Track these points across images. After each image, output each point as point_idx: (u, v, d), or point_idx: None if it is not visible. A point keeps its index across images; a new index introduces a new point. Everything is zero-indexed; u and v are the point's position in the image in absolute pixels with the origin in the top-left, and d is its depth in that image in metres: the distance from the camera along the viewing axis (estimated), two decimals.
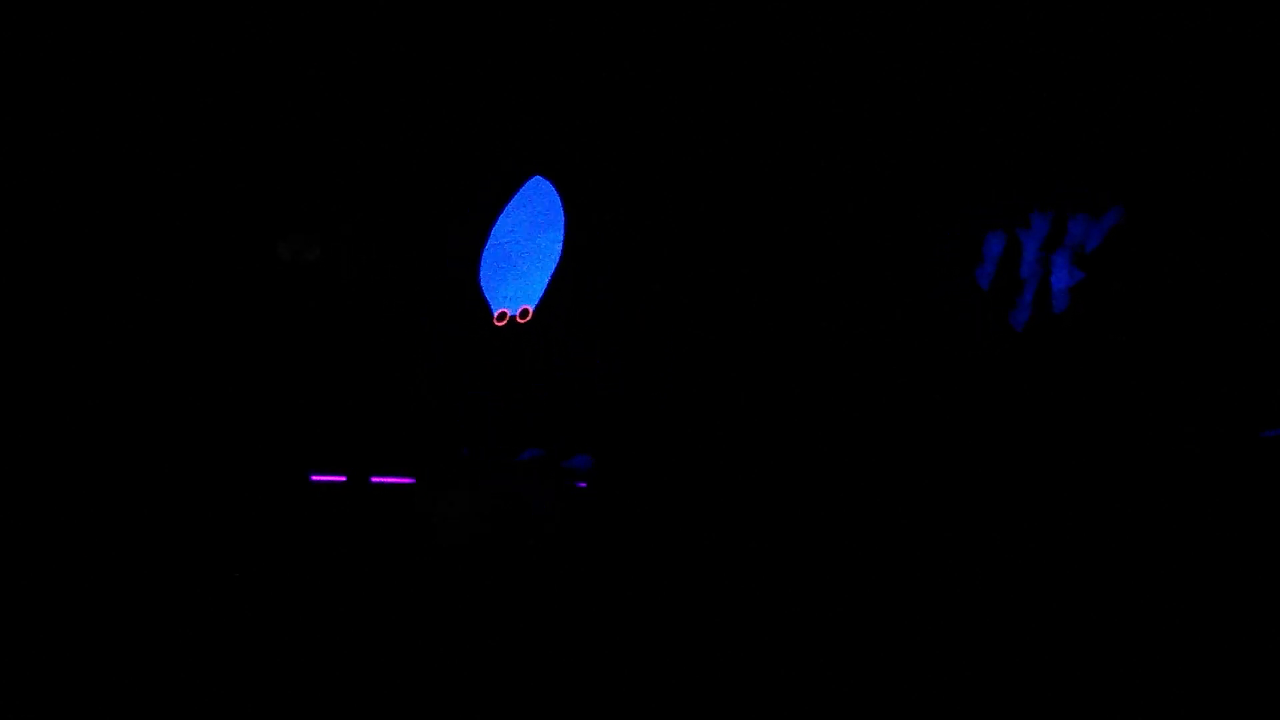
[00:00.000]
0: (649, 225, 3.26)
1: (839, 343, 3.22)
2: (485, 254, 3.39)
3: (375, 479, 3.25)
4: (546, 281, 3.32)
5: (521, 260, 3.35)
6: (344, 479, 3.25)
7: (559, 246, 3.34)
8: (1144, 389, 3.07)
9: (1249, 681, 2.49)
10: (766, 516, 3.03)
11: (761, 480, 3.11)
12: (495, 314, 3.32)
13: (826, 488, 3.08)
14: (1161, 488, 2.93)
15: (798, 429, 3.19)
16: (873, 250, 3.24)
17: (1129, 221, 3.15)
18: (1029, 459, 3.07)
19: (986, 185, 3.24)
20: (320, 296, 3.32)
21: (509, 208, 3.39)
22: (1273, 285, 3.02)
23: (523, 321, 3.31)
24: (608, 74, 3.22)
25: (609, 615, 2.78)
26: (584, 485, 3.23)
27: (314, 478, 3.24)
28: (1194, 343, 3.05)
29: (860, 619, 2.77)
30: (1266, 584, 2.65)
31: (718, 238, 3.26)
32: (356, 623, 2.74)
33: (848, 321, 3.22)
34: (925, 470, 3.09)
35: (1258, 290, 3.02)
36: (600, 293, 3.29)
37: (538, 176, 3.39)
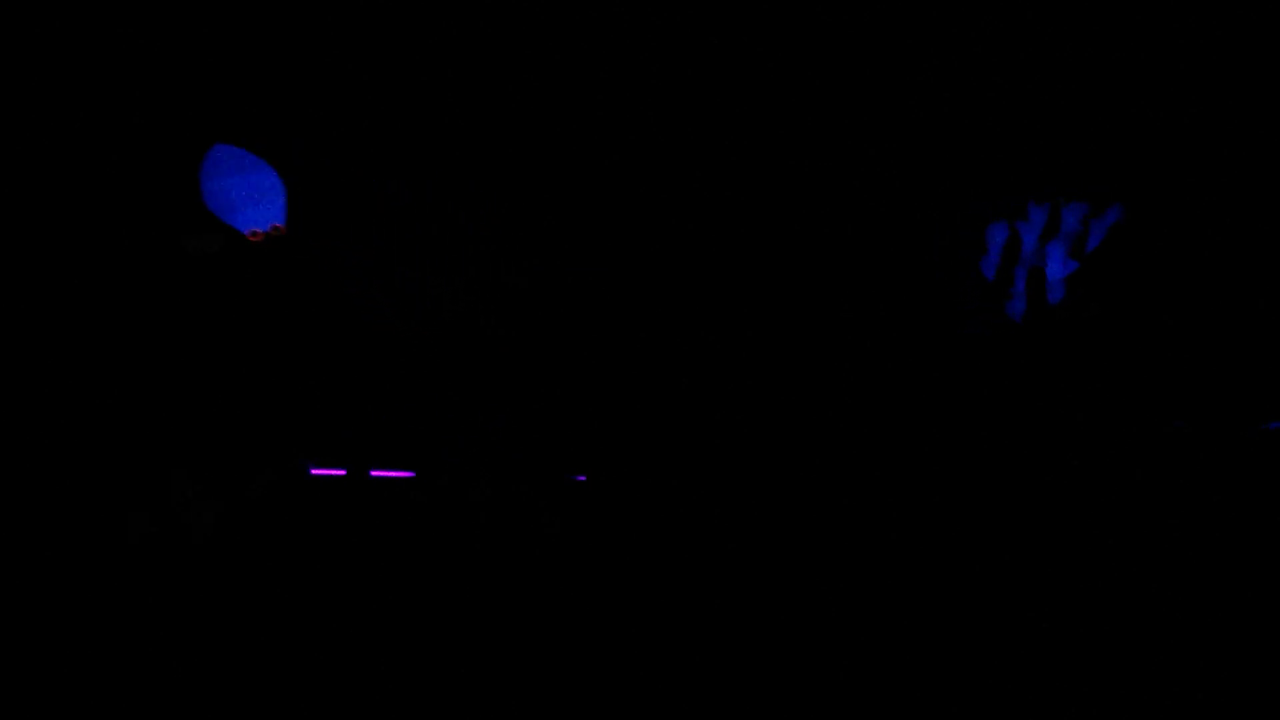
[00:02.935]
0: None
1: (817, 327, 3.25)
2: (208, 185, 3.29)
3: (375, 473, 3.26)
4: (281, 200, 3.26)
5: (240, 189, 3.29)
6: (343, 473, 3.25)
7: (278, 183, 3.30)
8: (1138, 382, 3.09)
9: (1251, 678, 2.48)
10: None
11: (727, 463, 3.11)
12: (248, 233, 3.27)
13: (801, 475, 3.08)
14: (1154, 480, 2.94)
15: (790, 418, 3.21)
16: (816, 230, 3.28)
17: (1129, 218, 3.19)
18: (1027, 449, 3.08)
19: (991, 177, 3.28)
20: (316, 288, 3.33)
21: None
22: (1268, 281, 3.05)
23: (279, 235, 3.27)
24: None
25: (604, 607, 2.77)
26: (582, 478, 3.23)
27: (313, 471, 3.25)
28: (1190, 338, 3.07)
29: (852, 608, 2.76)
30: (1262, 576, 2.66)
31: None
32: (357, 616, 2.73)
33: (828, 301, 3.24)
34: (917, 458, 3.10)
35: (1254, 287, 3.05)
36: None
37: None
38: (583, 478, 3.20)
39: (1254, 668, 2.47)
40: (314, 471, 3.22)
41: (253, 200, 3.22)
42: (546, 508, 3.01)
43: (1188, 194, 3.14)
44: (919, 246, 3.28)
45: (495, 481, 3.07)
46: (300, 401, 3.28)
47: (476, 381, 3.26)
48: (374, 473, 3.23)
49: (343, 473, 3.22)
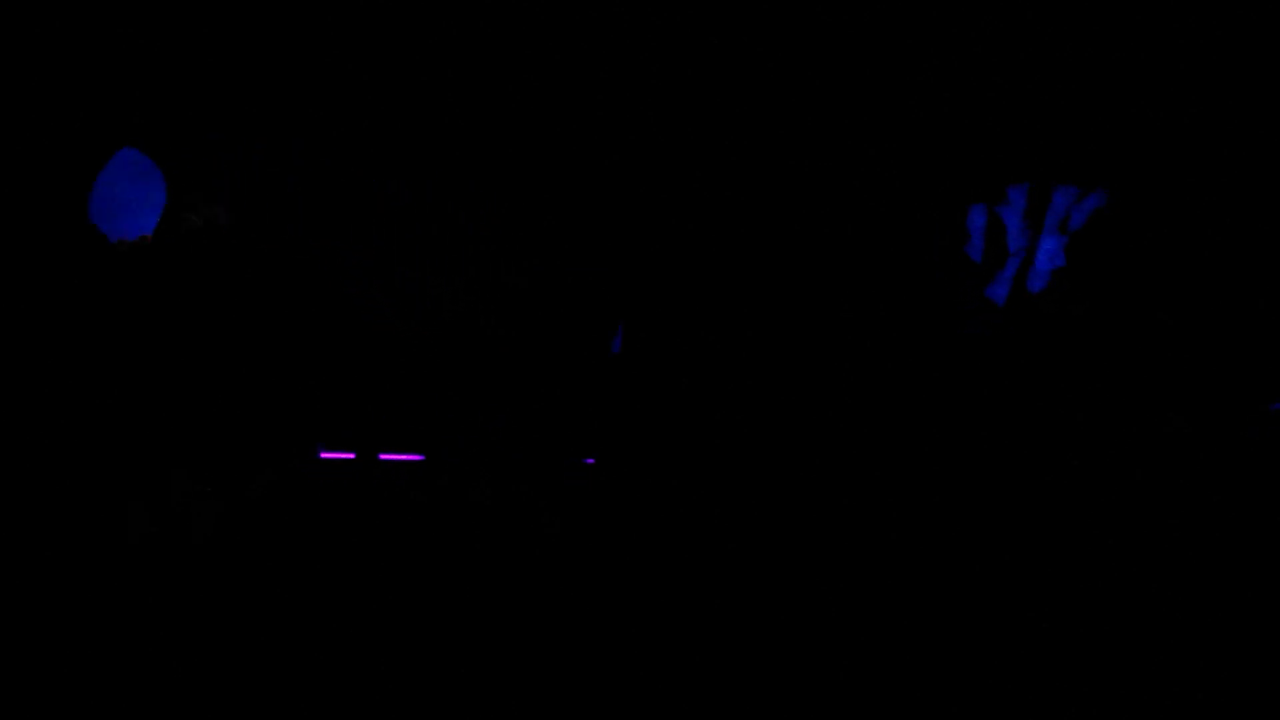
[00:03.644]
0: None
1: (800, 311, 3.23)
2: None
3: (383, 456, 3.30)
4: (156, 214, 3.25)
5: (130, 196, 3.27)
6: (352, 456, 3.29)
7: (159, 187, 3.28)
8: (1128, 372, 3.06)
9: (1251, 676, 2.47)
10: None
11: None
12: (114, 241, 3.24)
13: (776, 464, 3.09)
14: (1141, 468, 2.92)
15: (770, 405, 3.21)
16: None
17: (1111, 203, 3.14)
18: (1013, 436, 3.07)
19: (987, 175, 3.23)
20: (320, 275, 3.34)
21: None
22: (1254, 274, 3.00)
23: (145, 244, 3.25)
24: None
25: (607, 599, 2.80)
26: (591, 461, 3.26)
27: (323, 455, 3.29)
28: (1175, 328, 3.03)
29: (852, 606, 2.77)
30: (1255, 560, 2.64)
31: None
32: (358, 619, 2.77)
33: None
34: (915, 455, 3.09)
35: (1240, 281, 3.00)
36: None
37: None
38: (590, 460, 3.23)
39: (1255, 665, 2.47)
40: (323, 455, 3.27)
41: (135, 210, 3.22)
42: (546, 508, 3.04)
43: (1170, 181, 3.09)
44: (918, 245, 3.25)
45: (495, 481, 3.10)
46: (300, 402, 3.31)
47: (476, 381, 3.28)
48: (383, 456, 3.28)
49: (351, 456, 3.27)
